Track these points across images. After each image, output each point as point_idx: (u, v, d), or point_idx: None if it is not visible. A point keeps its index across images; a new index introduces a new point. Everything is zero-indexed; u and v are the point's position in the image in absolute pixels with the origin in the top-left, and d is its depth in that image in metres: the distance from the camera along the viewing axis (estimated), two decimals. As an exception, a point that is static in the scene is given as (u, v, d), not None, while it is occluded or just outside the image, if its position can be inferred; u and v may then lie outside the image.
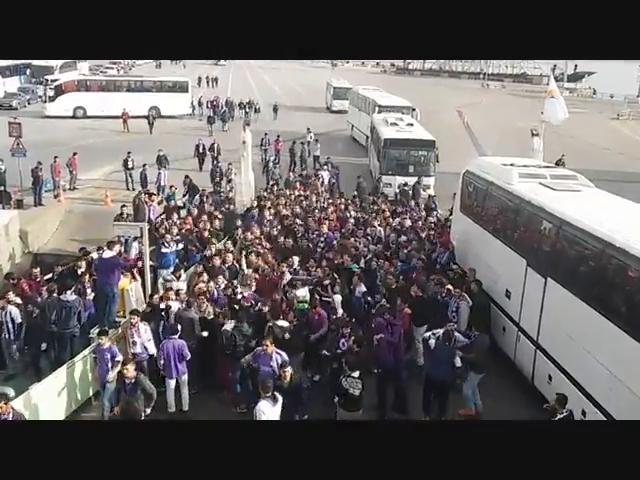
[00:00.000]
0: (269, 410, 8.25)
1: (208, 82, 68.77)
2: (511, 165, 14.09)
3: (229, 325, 10.77)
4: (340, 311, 11.94)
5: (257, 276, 13.37)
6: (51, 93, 41.71)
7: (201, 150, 28.89)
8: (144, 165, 24.72)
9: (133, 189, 24.37)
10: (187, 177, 23.07)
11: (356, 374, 9.18)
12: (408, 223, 18.03)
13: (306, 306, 11.81)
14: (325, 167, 26.31)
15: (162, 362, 10.36)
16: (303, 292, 12.15)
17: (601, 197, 12.22)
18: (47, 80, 43.12)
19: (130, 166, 25.24)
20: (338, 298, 12.37)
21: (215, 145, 28.86)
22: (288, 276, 13.23)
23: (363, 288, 12.96)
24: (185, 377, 10.53)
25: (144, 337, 10.62)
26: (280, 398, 8.50)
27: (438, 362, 10.38)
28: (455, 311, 12.01)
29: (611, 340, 8.71)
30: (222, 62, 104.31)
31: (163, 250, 14.74)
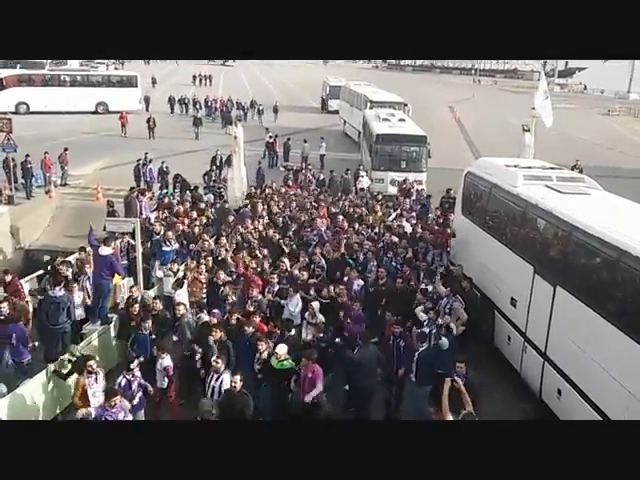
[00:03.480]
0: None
1: (201, 80, 68.14)
2: (515, 166, 13.70)
3: (166, 360, 9.74)
4: (320, 317, 11.14)
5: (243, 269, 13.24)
6: None
7: (218, 163, 25.98)
8: (139, 160, 24.25)
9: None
10: (178, 176, 22.54)
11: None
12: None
13: (288, 365, 9.48)
14: (364, 173, 25.50)
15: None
16: (284, 349, 9.59)
17: (611, 200, 11.74)
18: None
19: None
20: (316, 305, 11.51)
21: (232, 157, 26.58)
22: (276, 287, 12.41)
23: (361, 282, 12.79)
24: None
25: (99, 386, 8.98)
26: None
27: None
28: (449, 312, 11.48)
29: (626, 354, 8.26)
30: (230, 62, 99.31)
31: (164, 248, 14.39)
